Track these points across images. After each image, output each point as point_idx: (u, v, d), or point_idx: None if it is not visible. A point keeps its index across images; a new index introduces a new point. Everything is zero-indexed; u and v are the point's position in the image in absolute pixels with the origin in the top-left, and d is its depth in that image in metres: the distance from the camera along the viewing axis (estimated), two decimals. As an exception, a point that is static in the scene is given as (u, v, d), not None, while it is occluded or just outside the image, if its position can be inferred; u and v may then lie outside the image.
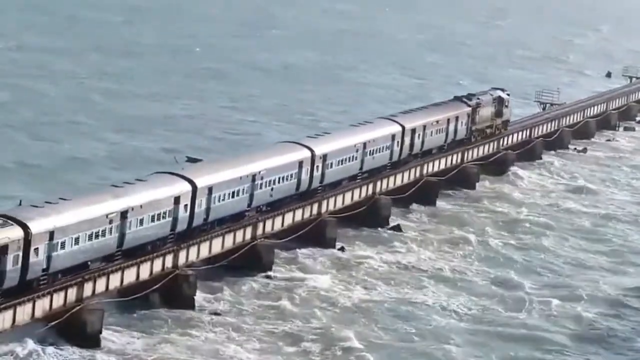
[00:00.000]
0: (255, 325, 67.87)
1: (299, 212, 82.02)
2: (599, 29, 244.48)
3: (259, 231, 77.31)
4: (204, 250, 72.39)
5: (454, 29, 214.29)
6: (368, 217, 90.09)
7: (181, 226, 70.40)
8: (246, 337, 65.94)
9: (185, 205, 70.28)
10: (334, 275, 78.42)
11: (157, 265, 68.29)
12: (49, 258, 60.27)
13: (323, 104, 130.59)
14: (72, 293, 61.98)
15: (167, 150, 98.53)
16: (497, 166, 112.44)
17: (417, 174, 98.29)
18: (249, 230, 76.36)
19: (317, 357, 64.53)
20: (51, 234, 60.18)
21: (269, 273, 76.26)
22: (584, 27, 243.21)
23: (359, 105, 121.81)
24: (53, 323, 60.92)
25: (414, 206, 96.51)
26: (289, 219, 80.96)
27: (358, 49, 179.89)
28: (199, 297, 70.23)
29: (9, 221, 58.49)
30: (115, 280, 65.38)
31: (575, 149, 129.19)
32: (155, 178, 71.50)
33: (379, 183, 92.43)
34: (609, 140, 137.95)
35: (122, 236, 65.60)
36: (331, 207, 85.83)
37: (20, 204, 62.61)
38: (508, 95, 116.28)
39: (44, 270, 60.22)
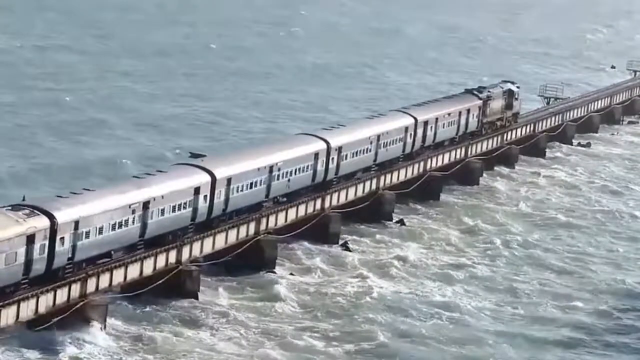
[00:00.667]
0: (257, 322, 67.98)
1: (302, 207, 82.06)
2: (611, 24, 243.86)
3: (262, 226, 77.37)
4: (207, 245, 72.49)
5: (471, 26, 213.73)
6: (372, 212, 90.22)
7: (201, 216, 71.47)
8: (248, 332, 66.17)
9: (205, 196, 71.36)
10: (341, 271, 78.72)
11: (161, 261, 68.37)
12: (74, 247, 61.35)
13: (343, 99, 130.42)
14: (75, 289, 62.01)
15: (190, 146, 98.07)
16: (501, 160, 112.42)
17: (422, 169, 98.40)
18: (252, 225, 76.39)
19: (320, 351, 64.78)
20: (76, 224, 61.20)
21: (272, 269, 76.27)
22: (598, 23, 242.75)
23: (377, 100, 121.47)
24: (56, 319, 60.81)
25: (418, 201, 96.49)
26: (292, 214, 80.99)
27: (379, 46, 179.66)
28: (202, 292, 70.42)
29: (35, 211, 59.34)
30: (118, 276, 65.46)
31: (579, 143, 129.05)
32: (176, 169, 72.73)
33: (382, 179, 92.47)
34: (612, 134, 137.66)
35: (144, 226, 66.72)
36: (335, 202, 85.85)
37: (23, 199, 62.50)
38: (518, 88, 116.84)
39: (69, 259, 61.30)
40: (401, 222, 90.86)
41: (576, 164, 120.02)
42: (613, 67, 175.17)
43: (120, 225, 64.65)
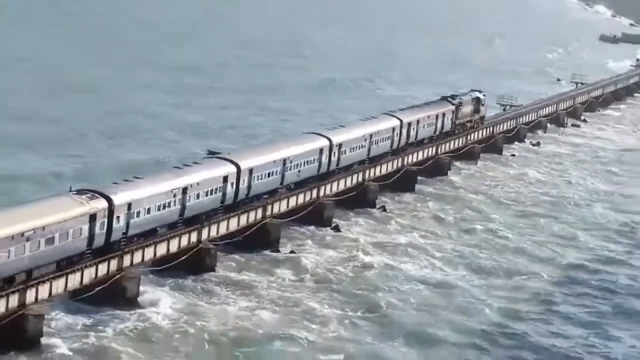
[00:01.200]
0: (267, 290, 68.52)
1: (301, 196, 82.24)
2: (566, 46, 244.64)
3: (268, 212, 77.59)
4: (222, 227, 72.67)
5: (455, 48, 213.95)
6: (359, 199, 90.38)
7: (228, 200, 73.00)
8: (259, 300, 66.54)
9: (232, 183, 73.00)
10: (333, 249, 78.77)
11: (184, 240, 68.60)
12: (127, 224, 62.92)
13: (343, 106, 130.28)
14: (113, 263, 62.34)
15: (214, 146, 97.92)
16: (465, 157, 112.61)
17: (400, 164, 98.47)
18: (259, 211, 76.66)
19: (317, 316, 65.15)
20: (129, 205, 62.74)
21: (276, 248, 76.41)
22: (556, 44, 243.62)
23: (372, 106, 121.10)
24: (98, 288, 61.26)
25: (398, 191, 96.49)
26: (293, 201, 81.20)
27: (376, 64, 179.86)
28: (218, 267, 70.79)
29: (96, 195, 61.13)
30: (149, 253, 65.79)
31: (530, 142, 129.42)
32: (208, 161, 74.21)
33: (368, 172, 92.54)
34: (558, 135, 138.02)
35: (183, 207, 68.18)
36: (328, 192, 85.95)
37: (70, 190, 62.92)
38: (484, 96, 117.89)
39: (123, 234, 62.74)
40: (383, 208, 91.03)
41: (528, 160, 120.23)
42: (559, 79, 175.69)
43: (164, 207, 66.31)
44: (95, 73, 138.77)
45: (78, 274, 59.80)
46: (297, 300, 67.54)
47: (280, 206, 79.48)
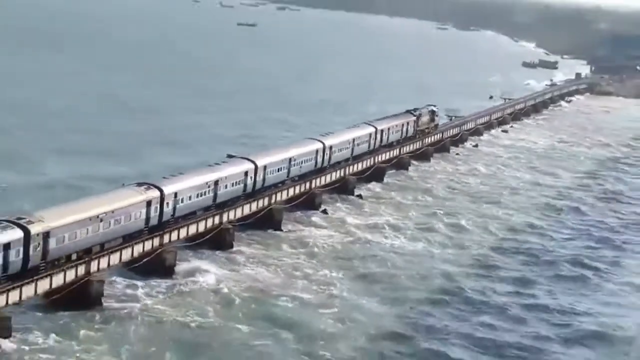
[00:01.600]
0: (277, 260, 68.70)
1: (297, 187, 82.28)
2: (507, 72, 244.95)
3: (273, 200, 77.61)
4: (238, 212, 72.69)
5: (420, 77, 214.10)
6: (341, 189, 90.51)
7: (248, 189, 73.98)
8: (268, 267, 66.78)
9: (251, 177, 73.86)
10: (323, 228, 78.97)
11: (209, 222, 68.69)
12: (174, 208, 64.28)
13: (335, 119, 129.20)
14: (156, 241, 62.51)
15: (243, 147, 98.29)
16: (422, 156, 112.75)
17: (372, 162, 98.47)
18: (267, 199, 76.68)
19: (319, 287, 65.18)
20: (175, 194, 64.26)
21: (279, 228, 76.11)
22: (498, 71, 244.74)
23: (356, 119, 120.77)
24: (145, 260, 61.50)
25: (371, 182, 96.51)
26: (292, 191, 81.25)
27: (366, 89, 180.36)
28: (235, 243, 70.67)
29: (151, 186, 62.82)
30: (183, 232, 65.90)
31: (471, 144, 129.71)
32: (234, 160, 75.35)
33: (348, 168, 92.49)
34: (492, 138, 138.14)
35: (215, 195, 69.41)
36: (318, 184, 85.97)
37: (123, 185, 63.30)
38: (437, 109, 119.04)
39: (171, 215, 64.19)
40: (360, 196, 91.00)
41: (469, 158, 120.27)
42: (491, 97, 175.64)
43: (201, 195, 67.69)
44: (157, 100, 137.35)
45: (129, 249, 60.01)
46: (297, 266, 67.83)
47: (282, 195, 79.50)
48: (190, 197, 66.01)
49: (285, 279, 64.63)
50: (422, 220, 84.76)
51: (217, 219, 69.45)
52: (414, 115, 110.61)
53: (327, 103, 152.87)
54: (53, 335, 51.01)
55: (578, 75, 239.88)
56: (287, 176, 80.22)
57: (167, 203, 63.12)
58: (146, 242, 61.54)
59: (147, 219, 61.39)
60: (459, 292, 65.55)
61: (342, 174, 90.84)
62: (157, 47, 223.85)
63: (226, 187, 70.55)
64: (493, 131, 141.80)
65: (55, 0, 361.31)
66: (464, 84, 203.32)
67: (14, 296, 50.44)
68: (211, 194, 68.82)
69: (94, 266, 56.19)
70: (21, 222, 51.32)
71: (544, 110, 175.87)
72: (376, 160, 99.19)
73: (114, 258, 58.49)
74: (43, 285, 52.57)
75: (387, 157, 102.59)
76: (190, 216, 66.91)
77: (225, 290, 61.06)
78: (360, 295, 62.93)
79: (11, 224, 50.80)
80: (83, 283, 55.10)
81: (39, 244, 51.55)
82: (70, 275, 54.49)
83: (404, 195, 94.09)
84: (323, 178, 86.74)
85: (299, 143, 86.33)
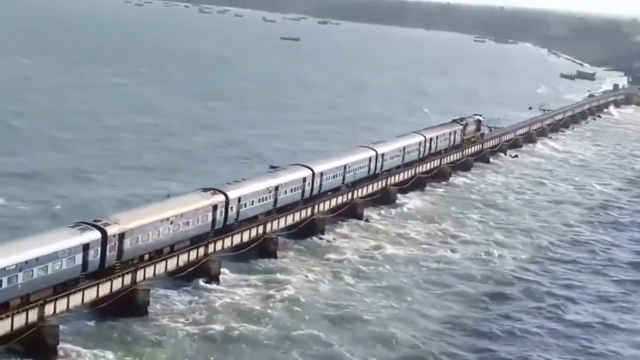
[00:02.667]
0: (318, 267, 67.87)
1: (340, 198, 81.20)
2: (550, 83, 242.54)
3: (316, 209, 76.66)
4: (282, 221, 71.79)
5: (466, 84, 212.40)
6: (383, 199, 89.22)
7: (306, 195, 74.99)
8: (313, 275, 65.87)
9: (308, 183, 74.88)
10: (363, 235, 77.82)
11: (254, 232, 67.84)
12: (238, 212, 65.58)
13: (385, 128, 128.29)
14: (201, 251, 61.85)
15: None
16: (462, 166, 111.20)
17: (413, 172, 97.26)
18: (309, 209, 75.73)
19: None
20: (239, 199, 65.46)
21: (322, 236, 75.38)
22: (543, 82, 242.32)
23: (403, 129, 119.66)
24: (190, 269, 60.87)
25: (411, 192, 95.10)
26: (334, 202, 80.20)
27: (413, 101, 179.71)
28: (280, 252, 69.79)
29: (217, 191, 64.17)
30: (227, 242, 65.14)
31: (510, 155, 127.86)
32: (292, 168, 75.87)
33: (389, 179, 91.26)
34: (531, 149, 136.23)
35: (275, 200, 70.54)
36: (360, 194, 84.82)
37: (168, 196, 62.87)
38: (483, 118, 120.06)
39: (235, 219, 65.33)
40: (403, 204, 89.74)
41: (508, 168, 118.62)
42: (530, 108, 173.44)
43: (263, 200, 68.96)
44: (222, 116, 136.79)
45: (175, 259, 59.32)
46: (335, 273, 66.96)
47: (325, 205, 78.51)
48: (252, 202, 67.35)
49: (329, 287, 63.59)
50: (462, 228, 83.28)
51: (260, 229, 68.57)
52: (461, 125, 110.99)
53: (378, 114, 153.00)
54: (101, 345, 50.26)
55: (616, 86, 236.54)
56: (342, 182, 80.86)
57: (232, 207, 64.59)
58: (191, 252, 60.81)
59: (214, 221, 62.80)
60: (495, 298, 63.96)
61: (383, 184, 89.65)
62: (213, 61, 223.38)
63: (285, 192, 71.84)
64: (532, 142, 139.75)
65: (106, 15, 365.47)
66: (502, 95, 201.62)
67: (61, 305, 49.87)
68: (272, 199, 70.06)
69: (139, 275, 55.55)
70: (98, 224, 53.00)
71: (582, 122, 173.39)
72: (417, 171, 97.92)
73: (160, 267, 57.81)
74: (90, 294, 51.98)
75: (429, 168, 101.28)
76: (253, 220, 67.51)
77: (272, 296, 60.17)
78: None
79: (90, 226, 52.47)
80: (129, 292, 54.45)
81: (115, 244, 53.22)
82: (117, 284, 53.90)
83: (444, 203, 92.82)
84: (365, 188, 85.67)
85: (353, 151, 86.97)
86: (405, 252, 73.61)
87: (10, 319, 46.75)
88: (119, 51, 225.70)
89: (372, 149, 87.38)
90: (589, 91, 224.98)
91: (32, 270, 47.33)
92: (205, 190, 64.03)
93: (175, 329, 53.51)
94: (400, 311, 60.27)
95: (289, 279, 64.03)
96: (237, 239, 66.07)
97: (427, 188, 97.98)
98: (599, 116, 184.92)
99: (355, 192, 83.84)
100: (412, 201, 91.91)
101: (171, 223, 57.92)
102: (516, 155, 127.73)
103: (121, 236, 53.64)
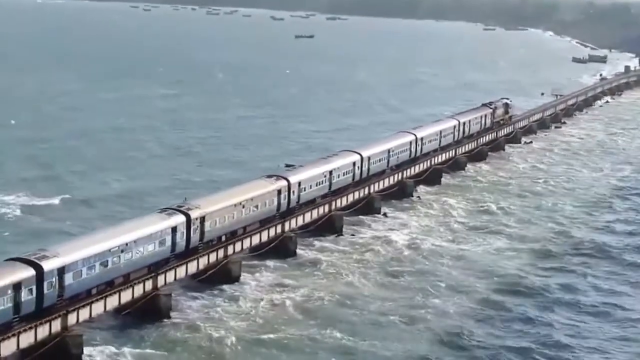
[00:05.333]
0: (339, 260, 67.69)
1: (357, 193, 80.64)
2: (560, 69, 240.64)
3: (333, 206, 76.13)
4: (299, 220, 71.31)
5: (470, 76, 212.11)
6: (399, 192, 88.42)
7: (356, 178, 79.89)
8: (328, 269, 65.57)
9: (358, 167, 79.70)
10: (379, 230, 77.42)
11: (272, 231, 67.52)
12: (298, 196, 70.06)
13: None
14: (221, 252, 61.54)
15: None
16: (477, 156, 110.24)
17: (429, 164, 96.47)
18: (327, 206, 75.22)
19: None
20: (299, 183, 70.12)
21: (340, 233, 74.64)
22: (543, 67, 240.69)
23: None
24: (211, 271, 60.55)
25: (429, 184, 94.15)
26: (350, 197, 79.63)
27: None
28: (299, 249, 69.39)
29: (280, 177, 68.91)
30: (246, 243, 64.82)
31: (524, 142, 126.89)
32: (342, 153, 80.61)
33: (405, 171, 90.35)
34: (545, 135, 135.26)
35: (330, 184, 75.25)
36: (376, 188, 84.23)
37: (185, 200, 62.61)
38: (510, 102, 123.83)
39: (297, 202, 69.85)
40: (419, 197, 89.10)
41: (524, 154, 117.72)
42: (542, 93, 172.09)
43: (319, 184, 73.40)
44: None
45: (195, 262, 59.08)
46: (359, 266, 66.75)
47: (342, 201, 77.97)
48: (311, 186, 71.55)
49: (347, 283, 63.10)
50: (477, 218, 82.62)
51: (279, 228, 68.22)
52: (490, 108, 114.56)
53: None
54: (124, 352, 49.94)
55: (627, 68, 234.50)
56: (387, 166, 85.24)
57: (293, 191, 68.80)
58: (211, 254, 60.51)
59: (279, 205, 67.08)
60: (517, 288, 63.44)
61: (399, 178, 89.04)
62: (247, 69, 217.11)
63: (339, 176, 75.88)
64: (546, 128, 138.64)
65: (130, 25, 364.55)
66: (514, 82, 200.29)
67: (84, 314, 49.71)
68: (327, 183, 74.17)
69: (160, 280, 55.32)
70: (182, 209, 58.00)
71: (595, 105, 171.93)
72: (432, 163, 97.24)
73: (180, 271, 57.57)
74: (112, 301, 51.81)
75: (444, 159, 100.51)
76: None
77: (287, 297, 59.63)
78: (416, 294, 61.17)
79: (175, 211, 57.63)
80: (151, 297, 54.24)
81: (197, 227, 58.06)
82: (138, 290, 53.70)
83: (461, 193, 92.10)
84: (381, 182, 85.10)
85: (395, 136, 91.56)
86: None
87: (33, 330, 46.66)
88: (154, 64, 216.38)
89: (412, 133, 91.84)
90: (600, 74, 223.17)
91: (132, 251, 52.27)
92: (269, 176, 68.63)
93: (198, 333, 53.06)
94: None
95: (307, 280, 63.39)
96: (255, 240, 65.73)
97: (443, 179, 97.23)
98: (612, 98, 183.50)
99: (403, 172, 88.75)
100: (428, 193, 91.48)
101: (243, 207, 62.81)
102: (531, 142, 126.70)
103: (202, 219, 58.39)
